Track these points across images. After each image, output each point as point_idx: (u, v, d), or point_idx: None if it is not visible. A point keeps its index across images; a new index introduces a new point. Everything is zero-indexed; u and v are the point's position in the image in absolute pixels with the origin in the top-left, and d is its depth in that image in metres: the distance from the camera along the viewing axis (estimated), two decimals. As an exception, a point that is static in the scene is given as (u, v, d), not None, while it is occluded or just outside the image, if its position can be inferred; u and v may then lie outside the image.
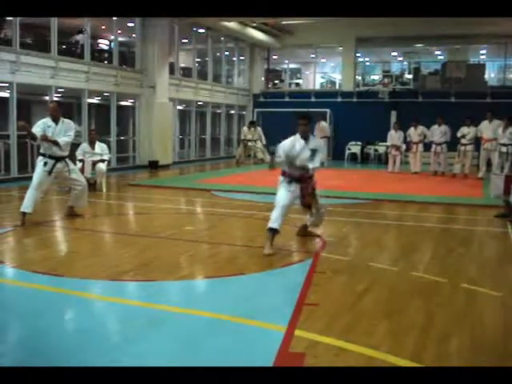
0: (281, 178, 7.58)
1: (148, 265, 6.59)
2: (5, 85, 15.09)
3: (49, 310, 5.04)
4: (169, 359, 3.98)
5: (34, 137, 8.92)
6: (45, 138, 8.84)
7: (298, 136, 7.44)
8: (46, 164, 8.98)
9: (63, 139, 8.97)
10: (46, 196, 12.64)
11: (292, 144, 7.36)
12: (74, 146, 15.01)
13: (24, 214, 8.79)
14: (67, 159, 9.27)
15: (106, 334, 4.57)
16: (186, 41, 23.31)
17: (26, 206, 8.82)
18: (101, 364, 3.82)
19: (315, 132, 21.19)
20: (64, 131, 9.05)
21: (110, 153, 14.39)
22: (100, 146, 13.44)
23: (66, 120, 9.24)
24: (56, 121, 9.05)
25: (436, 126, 18.14)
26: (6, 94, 15.47)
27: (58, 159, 9.04)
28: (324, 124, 21.60)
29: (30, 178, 15.10)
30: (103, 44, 21.72)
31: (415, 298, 5.49)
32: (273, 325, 4.61)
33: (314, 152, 7.30)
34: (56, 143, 8.89)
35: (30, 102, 18.89)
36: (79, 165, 12.95)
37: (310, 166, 7.28)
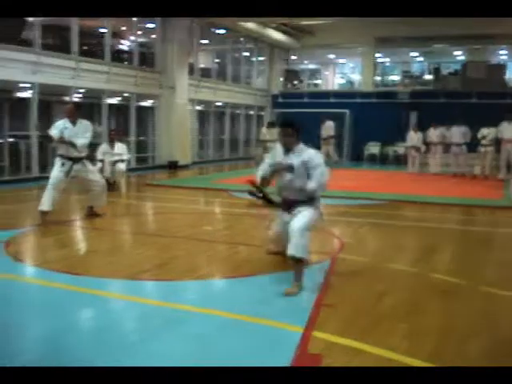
0: None
1: (166, 264, 6.62)
2: (26, 85, 15.24)
3: (67, 309, 5.08)
4: (185, 359, 3.99)
5: (50, 139, 9.00)
6: (61, 140, 8.89)
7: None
8: (63, 165, 9.00)
9: (80, 141, 8.95)
10: (65, 195, 12.75)
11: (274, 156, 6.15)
12: (94, 146, 15.16)
13: (43, 212, 8.87)
14: (85, 160, 9.27)
15: (124, 332, 4.59)
16: (206, 41, 23.37)
17: (43, 204, 8.90)
18: (118, 363, 3.85)
19: (322, 131, 21.24)
20: (81, 132, 9.03)
21: (129, 153, 14.46)
22: (120, 147, 13.52)
23: (83, 121, 9.25)
24: (73, 122, 9.05)
25: (456, 127, 18.01)
26: (27, 95, 15.62)
27: (75, 160, 9.05)
28: (330, 123, 21.47)
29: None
30: (123, 45, 21.83)
31: (434, 300, 5.45)
32: (290, 325, 4.61)
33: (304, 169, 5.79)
34: (73, 145, 8.89)
35: (50, 102, 19.03)
36: (99, 165, 13.05)
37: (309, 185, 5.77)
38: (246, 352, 4.12)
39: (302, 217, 5.66)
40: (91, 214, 9.76)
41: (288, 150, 5.88)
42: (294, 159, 5.77)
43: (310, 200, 5.82)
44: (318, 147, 21.24)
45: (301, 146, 5.91)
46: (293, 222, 5.62)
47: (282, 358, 3.94)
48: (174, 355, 4.04)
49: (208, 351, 4.14)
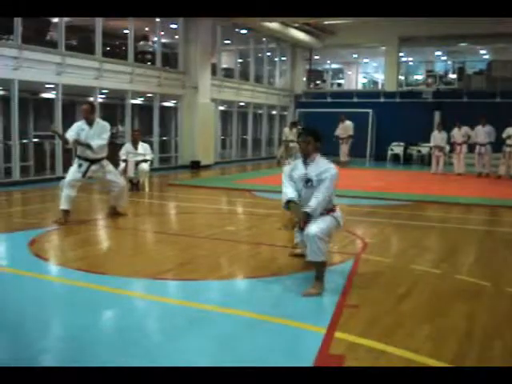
0: None
1: (188, 264, 6.64)
2: (51, 86, 15.39)
3: (90, 308, 5.11)
4: (208, 358, 4.00)
5: (66, 141, 9.04)
6: (77, 142, 8.91)
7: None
8: (80, 166, 9.07)
9: (96, 142, 8.92)
10: (88, 195, 12.86)
11: (294, 167, 5.99)
12: (118, 146, 15.28)
13: (65, 211, 8.95)
14: (104, 161, 9.26)
15: (147, 332, 4.61)
16: (228, 42, 23.42)
17: (63, 203, 9.02)
18: (140, 362, 3.86)
19: (338, 131, 21.12)
20: (98, 134, 9.01)
21: (152, 153, 14.54)
22: (143, 147, 13.59)
23: (100, 122, 9.25)
24: (90, 123, 9.04)
25: (480, 127, 17.85)
26: (51, 95, 15.78)
27: (92, 161, 9.10)
28: (348, 123, 21.39)
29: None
30: (148, 46, 21.94)
31: (458, 301, 5.40)
32: (312, 326, 4.59)
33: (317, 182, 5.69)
34: (89, 146, 8.90)
35: (74, 102, 19.22)
36: (123, 165, 13.13)
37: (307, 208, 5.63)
38: (268, 352, 4.11)
39: (318, 223, 5.57)
40: (114, 213, 9.84)
41: (305, 157, 5.80)
42: (312, 171, 5.71)
43: (327, 211, 5.72)
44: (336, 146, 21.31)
45: (318, 156, 5.82)
46: (308, 228, 5.56)
47: (304, 358, 3.93)
48: (197, 355, 4.05)
49: (230, 351, 4.14)
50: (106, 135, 9.12)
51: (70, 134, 8.97)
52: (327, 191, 5.58)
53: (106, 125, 9.27)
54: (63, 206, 9.01)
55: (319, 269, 5.64)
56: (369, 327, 4.59)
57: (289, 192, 5.78)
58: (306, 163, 5.78)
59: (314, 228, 5.52)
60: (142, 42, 19.72)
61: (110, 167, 9.49)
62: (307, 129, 6.20)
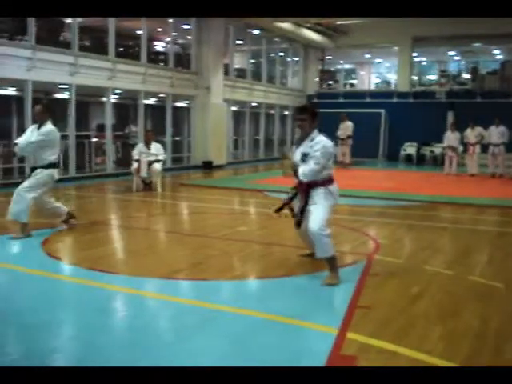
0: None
1: (201, 264, 6.65)
2: (64, 86, 15.48)
3: (103, 307, 5.13)
4: (220, 358, 4.00)
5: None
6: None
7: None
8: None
9: (23, 141, 7.99)
10: (100, 195, 12.93)
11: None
12: (131, 146, 15.35)
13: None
14: (38, 170, 8.06)
15: (159, 331, 4.62)
16: (241, 42, 23.43)
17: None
18: (153, 362, 3.87)
19: (339, 132, 20.83)
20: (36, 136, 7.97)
21: (165, 153, 14.58)
22: (156, 147, 13.64)
23: (48, 126, 8.14)
24: (40, 125, 8.10)
25: (494, 127, 17.75)
26: (65, 96, 15.87)
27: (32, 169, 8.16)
28: (349, 123, 20.98)
29: (88, 178, 15.55)
30: (159, 46, 22.03)
31: (470, 303, 5.38)
32: (324, 326, 4.59)
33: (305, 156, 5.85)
34: (15, 144, 8.14)
35: (88, 103, 19.31)
36: (135, 165, 13.19)
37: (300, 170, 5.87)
38: (279, 352, 4.11)
39: (317, 213, 5.76)
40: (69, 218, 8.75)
41: (303, 134, 5.95)
42: (308, 146, 5.84)
43: (322, 182, 5.87)
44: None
45: (316, 132, 5.92)
46: (310, 224, 5.73)
47: (316, 359, 3.93)
48: (209, 355, 4.05)
49: (242, 351, 4.14)
50: (40, 137, 7.94)
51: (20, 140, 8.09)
52: (316, 160, 5.72)
53: (51, 131, 8.15)
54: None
55: (330, 262, 5.84)
56: (381, 328, 4.58)
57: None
58: (301, 141, 5.95)
59: (313, 225, 5.69)
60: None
61: (33, 180, 8.05)
62: (303, 106, 6.35)
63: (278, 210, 6.43)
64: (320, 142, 5.80)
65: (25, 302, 5.22)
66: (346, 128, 20.79)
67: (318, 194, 5.84)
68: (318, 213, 5.77)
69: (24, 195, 7.87)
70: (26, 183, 8.00)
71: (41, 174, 8.01)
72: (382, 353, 4.09)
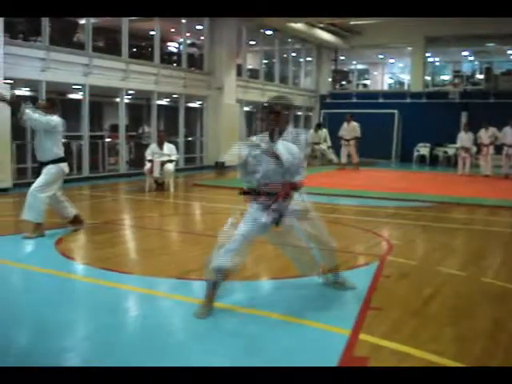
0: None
1: (213, 264, 6.65)
2: (78, 87, 15.57)
3: (115, 307, 5.16)
4: (232, 358, 4.01)
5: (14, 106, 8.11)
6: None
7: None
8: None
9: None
10: (115, 195, 12.98)
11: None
12: (144, 146, 15.40)
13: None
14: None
15: (171, 331, 4.64)
16: (254, 42, 23.44)
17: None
18: (166, 362, 3.88)
19: (342, 132, 20.43)
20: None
21: (177, 153, 14.62)
22: (168, 147, 13.68)
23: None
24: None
25: (508, 128, 17.62)
26: (79, 96, 15.96)
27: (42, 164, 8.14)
28: (355, 124, 20.43)
29: (101, 178, 15.62)
30: (172, 47, 22.10)
31: (484, 305, 5.35)
32: (337, 328, 4.58)
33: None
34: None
35: (101, 103, 19.41)
36: (148, 165, 13.24)
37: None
38: (292, 353, 4.11)
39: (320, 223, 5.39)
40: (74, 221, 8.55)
41: (274, 132, 5.04)
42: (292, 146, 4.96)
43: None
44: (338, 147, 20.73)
45: (290, 128, 5.17)
46: (317, 235, 5.36)
47: (328, 360, 3.92)
48: (221, 355, 4.06)
49: (254, 352, 4.14)
50: (44, 119, 7.92)
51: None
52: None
53: (57, 120, 8.17)
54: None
55: None
56: (393, 329, 4.57)
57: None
58: (272, 138, 5.03)
59: (320, 232, 5.40)
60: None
61: (45, 178, 8.04)
62: (278, 96, 5.47)
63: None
64: (302, 132, 5.21)
65: (38, 301, 5.25)
66: (352, 129, 20.37)
67: (297, 200, 5.17)
68: (314, 220, 5.36)
69: (38, 196, 7.85)
70: (38, 182, 7.94)
71: (52, 170, 8.01)
72: (395, 354, 4.08)
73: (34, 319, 4.78)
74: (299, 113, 26.76)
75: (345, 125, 20.53)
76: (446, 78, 27.65)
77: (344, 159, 20.40)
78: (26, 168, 14.91)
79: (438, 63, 28.44)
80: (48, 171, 7.99)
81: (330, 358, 3.96)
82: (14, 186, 12.67)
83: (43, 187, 7.91)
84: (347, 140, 20.35)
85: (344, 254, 7.05)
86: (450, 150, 22.71)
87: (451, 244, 8.35)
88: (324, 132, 21.96)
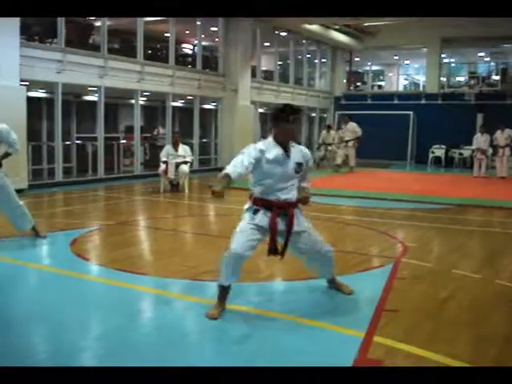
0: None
1: (227, 266, 6.64)
2: (93, 89, 15.66)
3: (129, 308, 5.18)
4: (244, 360, 4.00)
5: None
6: None
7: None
8: None
9: None
10: (130, 196, 13.03)
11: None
12: (159, 148, 15.46)
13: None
14: None
15: (185, 332, 4.64)
16: (268, 44, 23.44)
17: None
18: (178, 363, 3.89)
19: (344, 133, 20.16)
20: None
21: (192, 155, 14.65)
22: (183, 149, 13.71)
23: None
24: None
25: (524, 129, 17.51)
26: (94, 98, 16.05)
27: None
28: (353, 124, 20.02)
29: (116, 179, 15.68)
30: (187, 48, 22.16)
31: (499, 308, 5.31)
32: (351, 330, 4.56)
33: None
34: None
35: (116, 105, 19.50)
36: (163, 166, 13.27)
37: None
38: (305, 355, 4.09)
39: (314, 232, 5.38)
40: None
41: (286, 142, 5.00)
42: (300, 157, 5.07)
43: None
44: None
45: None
46: (322, 244, 5.42)
47: (342, 362, 3.90)
48: (234, 357, 4.06)
49: (267, 353, 4.14)
50: None
51: None
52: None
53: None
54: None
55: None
56: (408, 332, 4.54)
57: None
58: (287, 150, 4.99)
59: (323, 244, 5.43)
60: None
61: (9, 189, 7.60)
62: (295, 105, 5.14)
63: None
64: (303, 148, 5.22)
65: (53, 301, 5.28)
66: (352, 129, 19.99)
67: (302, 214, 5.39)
68: (312, 230, 5.41)
69: (13, 208, 7.63)
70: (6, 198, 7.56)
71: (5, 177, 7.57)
72: (409, 357, 4.06)
73: (49, 319, 4.80)
74: (313, 114, 26.73)
75: (343, 126, 20.40)
76: (462, 79, 27.49)
77: (339, 160, 20.10)
78: (42, 169, 15.01)
79: (453, 64, 28.28)
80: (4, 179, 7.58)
81: (344, 360, 3.94)
82: (29, 186, 12.74)
83: (12, 197, 7.64)
84: (346, 141, 20.13)
85: (359, 256, 7.04)
86: (466, 152, 22.58)
87: (466, 246, 8.30)
88: (331, 134, 21.78)
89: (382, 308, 5.11)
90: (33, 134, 13.92)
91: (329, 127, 22.17)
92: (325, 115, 27.56)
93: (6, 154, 7.44)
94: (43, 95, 16.05)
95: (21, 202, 7.68)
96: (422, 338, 4.43)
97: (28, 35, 13.88)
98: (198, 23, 19.17)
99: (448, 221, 10.27)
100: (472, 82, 25.33)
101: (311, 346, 4.28)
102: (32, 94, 14.85)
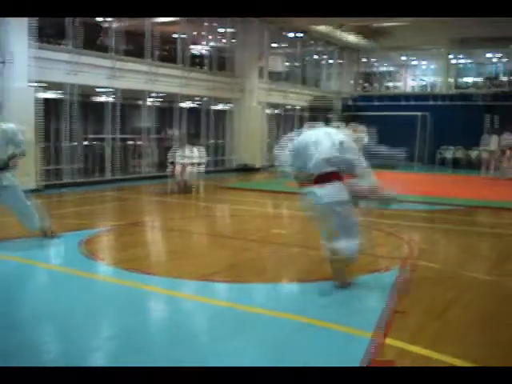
0: None
1: (237, 266, 6.68)
2: (103, 90, 15.71)
3: (139, 308, 5.22)
4: (254, 360, 4.03)
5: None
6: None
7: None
8: None
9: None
10: (140, 197, 13.08)
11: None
12: (169, 149, 15.48)
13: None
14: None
15: (195, 332, 4.67)
16: (276, 45, 23.43)
17: None
18: (188, 363, 3.91)
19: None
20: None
21: (202, 156, 14.69)
22: (193, 150, 13.75)
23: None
24: None
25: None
26: (104, 99, 16.10)
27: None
28: (361, 127, 19.59)
29: (126, 180, 15.72)
30: (196, 50, 22.18)
31: (508, 309, 5.32)
32: (360, 331, 4.58)
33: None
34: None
35: (126, 106, 19.55)
36: (171, 167, 13.32)
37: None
38: (314, 356, 4.11)
39: None
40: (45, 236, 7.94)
41: None
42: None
43: None
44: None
45: None
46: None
47: (351, 363, 3.92)
48: (243, 357, 4.08)
49: (276, 353, 4.16)
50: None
51: None
52: None
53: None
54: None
55: None
56: (416, 333, 4.55)
57: None
58: None
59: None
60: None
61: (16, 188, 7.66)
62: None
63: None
64: None
65: (63, 301, 5.33)
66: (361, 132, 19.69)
67: None
68: None
69: (21, 208, 7.70)
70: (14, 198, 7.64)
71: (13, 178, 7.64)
72: (418, 358, 4.07)
73: (58, 319, 4.84)
74: (322, 115, 26.70)
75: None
76: (471, 80, 27.42)
77: None
78: (51, 170, 15.06)
79: (462, 65, 28.22)
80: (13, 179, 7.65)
81: (352, 361, 3.96)
82: (40, 187, 12.80)
83: (20, 197, 7.72)
84: None
85: (367, 257, 7.04)
86: (474, 153, 22.51)
87: (475, 248, 8.29)
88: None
89: (391, 309, 5.12)
90: (43, 134, 13.98)
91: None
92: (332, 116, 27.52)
93: (14, 155, 7.48)
94: (53, 96, 16.10)
95: (29, 203, 7.74)
96: (430, 338, 4.44)
97: (39, 37, 13.94)
98: (207, 24, 19.21)
99: (457, 222, 10.26)
100: (481, 82, 25.27)
101: (321, 346, 4.30)
102: (42, 94, 14.89)
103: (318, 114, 5.72)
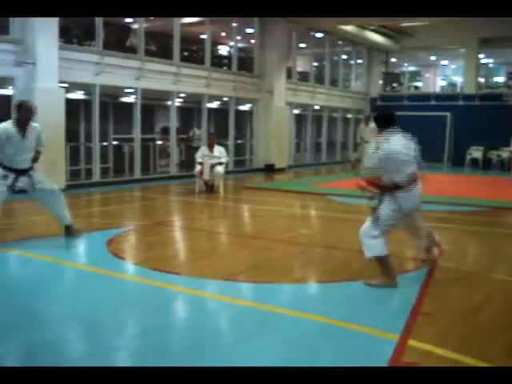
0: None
1: (262, 267, 6.68)
2: (130, 90, 15.85)
3: (164, 307, 5.24)
4: (278, 360, 4.01)
5: None
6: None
7: None
8: (5, 177, 7.46)
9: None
10: (166, 197, 13.15)
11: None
12: (194, 149, 15.57)
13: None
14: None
15: (219, 332, 4.68)
16: (304, 45, 23.41)
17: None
18: (212, 363, 3.91)
19: (360, 134, 18.40)
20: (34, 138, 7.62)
21: (227, 156, 14.72)
22: (218, 150, 13.78)
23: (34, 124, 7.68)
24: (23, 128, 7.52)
25: None
26: (131, 99, 16.24)
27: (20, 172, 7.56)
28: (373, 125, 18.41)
29: (152, 180, 15.85)
30: (223, 50, 22.27)
31: (537, 312, 5.23)
32: (385, 333, 4.54)
33: None
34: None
35: (153, 106, 19.71)
36: (198, 167, 13.37)
37: None
38: (338, 358, 4.09)
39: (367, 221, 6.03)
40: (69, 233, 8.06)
41: None
42: None
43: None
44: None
45: None
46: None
47: (376, 365, 3.88)
48: (268, 357, 4.07)
49: (300, 354, 4.14)
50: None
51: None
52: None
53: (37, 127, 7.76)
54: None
55: (378, 264, 5.91)
56: (443, 336, 4.50)
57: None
58: None
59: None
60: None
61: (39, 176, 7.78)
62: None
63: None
64: None
65: (89, 300, 5.36)
66: (373, 130, 18.56)
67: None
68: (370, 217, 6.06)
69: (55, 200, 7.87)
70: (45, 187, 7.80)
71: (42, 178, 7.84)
72: (443, 361, 4.02)
73: (84, 318, 4.87)
74: (349, 115, 26.59)
75: (362, 126, 18.71)
76: (500, 79, 27.07)
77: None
78: (80, 169, 15.24)
79: (491, 65, 27.87)
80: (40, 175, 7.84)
81: (377, 362, 3.92)
82: (67, 187, 12.94)
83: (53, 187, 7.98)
84: (366, 142, 18.99)
85: (394, 259, 6.97)
86: (504, 154, 22.22)
87: (503, 250, 8.17)
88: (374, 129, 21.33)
89: (417, 311, 5.07)
90: (71, 134, 14.14)
91: (367, 118, 18.59)
92: (360, 116, 27.37)
93: (38, 153, 7.66)
94: (81, 97, 16.30)
95: (61, 197, 7.91)
96: (456, 341, 4.38)
97: (67, 38, 14.12)
98: (234, 25, 19.26)
99: (484, 223, 10.14)
100: (510, 82, 24.94)
101: (345, 348, 4.28)
102: (71, 95, 15.09)
103: (386, 121, 5.86)
